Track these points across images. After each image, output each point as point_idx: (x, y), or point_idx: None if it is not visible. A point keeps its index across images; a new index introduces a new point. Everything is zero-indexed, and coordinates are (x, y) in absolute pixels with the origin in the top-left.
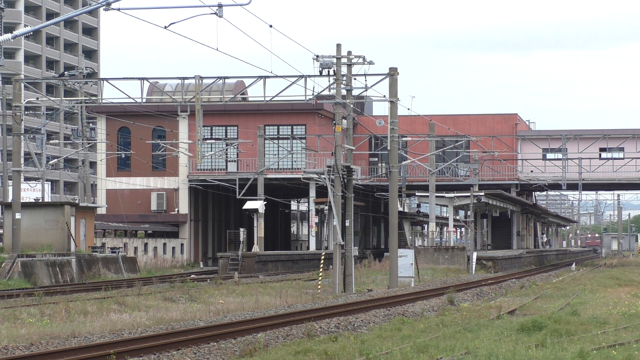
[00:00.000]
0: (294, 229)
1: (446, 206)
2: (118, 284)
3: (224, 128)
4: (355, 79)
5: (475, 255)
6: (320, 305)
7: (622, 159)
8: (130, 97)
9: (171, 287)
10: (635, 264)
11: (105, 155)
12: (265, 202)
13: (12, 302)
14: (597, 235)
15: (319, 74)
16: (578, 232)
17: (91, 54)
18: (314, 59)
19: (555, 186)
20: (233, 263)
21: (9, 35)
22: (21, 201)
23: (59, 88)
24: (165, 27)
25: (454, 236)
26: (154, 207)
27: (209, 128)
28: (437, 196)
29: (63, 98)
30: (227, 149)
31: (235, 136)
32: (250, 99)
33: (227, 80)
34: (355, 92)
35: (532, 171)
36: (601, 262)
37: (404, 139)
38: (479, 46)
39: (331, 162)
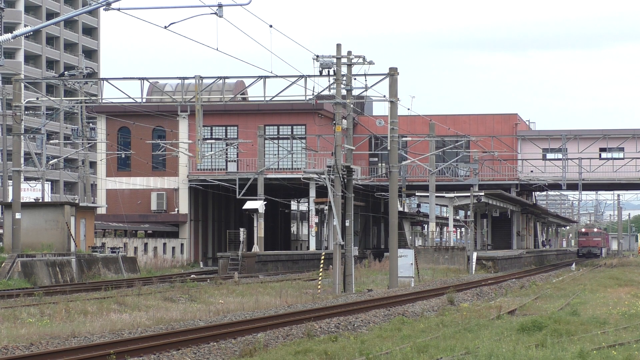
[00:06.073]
0: (294, 229)
1: (446, 206)
2: (118, 284)
3: (224, 128)
4: (355, 79)
5: (475, 255)
6: (320, 305)
7: (622, 159)
8: (130, 97)
9: (171, 287)
10: (635, 264)
11: (105, 155)
12: (265, 202)
13: (12, 302)
14: (596, 230)
15: (319, 74)
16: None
17: (91, 54)
18: (314, 59)
19: (555, 186)
20: (233, 263)
21: (9, 35)
22: (21, 201)
23: (59, 88)
24: (165, 27)
25: (454, 236)
26: (154, 207)
27: (209, 128)
28: (437, 196)
29: (63, 98)
30: (227, 149)
31: (235, 136)
32: (250, 99)
33: (227, 80)
34: (355, 92)
35: (532, 171)
36: (601, 262)
37: (404, 139)
38: (479, 46)
39: (331, 162)
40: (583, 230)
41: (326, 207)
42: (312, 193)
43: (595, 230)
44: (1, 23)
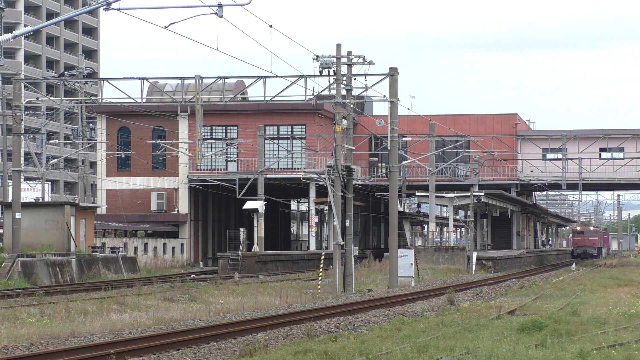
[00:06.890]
0: (294, 229)
1: (446, 206)
2: (118, 284)
3: (224, 128)
4: (355, 79)
5: (475, 255)
6: (320, 305)
7: (622, 159)
8: (130, 97)
9: (171, 287)
10: (635, 264)
11: (105, 155)
12: (265, 202)
13: (12, 302)
14: (593, 228)
15: (319, 74)
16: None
17: (91, 54)
18: (314, 59)
19: (555, 186)
20: (233, 263)
21: (9, 35)
22: (21, 201)
23: (59, 88)
24: (165, 27)
25: (454, 236)
26: (154, 207)
27: (209, 128)
28: (437, 196)
29: (63, 98)
30: (227, 149)
31: (235, 136)
32: (250, 99)
33: (227, 80)
34: (355, 92)
35: (532, 171)
36: (601, 262)
37: (404, 139)
38: (479, 46)
39: (331, 162)
40: (578, 228)
41: (326, 207)
42: (312, 193)
43: (592, 228)
44: (1, 23)
